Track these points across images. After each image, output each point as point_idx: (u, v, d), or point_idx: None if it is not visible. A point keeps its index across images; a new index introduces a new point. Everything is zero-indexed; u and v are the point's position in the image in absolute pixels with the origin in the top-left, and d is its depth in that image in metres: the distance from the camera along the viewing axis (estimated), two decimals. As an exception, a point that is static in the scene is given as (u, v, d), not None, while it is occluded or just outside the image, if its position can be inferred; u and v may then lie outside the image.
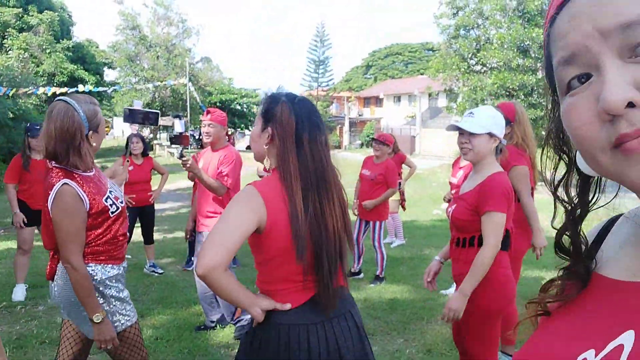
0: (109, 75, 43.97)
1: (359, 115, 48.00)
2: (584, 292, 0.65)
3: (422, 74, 45.15)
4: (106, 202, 2.42)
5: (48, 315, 4.82)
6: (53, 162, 2.36)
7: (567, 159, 0.66)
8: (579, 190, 0.67)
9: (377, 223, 6.03)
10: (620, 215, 0.70)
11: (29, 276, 5.64)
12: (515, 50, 17.08)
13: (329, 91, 44.91)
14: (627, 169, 0.52)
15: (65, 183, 2.29)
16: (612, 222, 0.71)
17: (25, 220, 5.36)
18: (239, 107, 45.01)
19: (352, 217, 6.20)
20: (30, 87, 16.07)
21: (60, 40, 34.17)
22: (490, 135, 2.53)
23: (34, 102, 28.34)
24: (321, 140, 1.82)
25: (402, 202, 7.71)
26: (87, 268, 2.35)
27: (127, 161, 3.23)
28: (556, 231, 0.71)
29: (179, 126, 3.98)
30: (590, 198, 0.67)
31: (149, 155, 6.50)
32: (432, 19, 19.66)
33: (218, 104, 41.87)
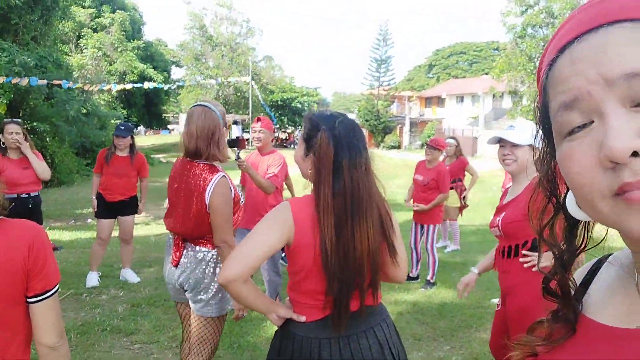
0: (176, 73, 45.66)
1: (420, 115, 47.36)
2: (573, 336, 0.65)
3: (486, 74, 44.01)
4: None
5: (111, 304, 5.10)
6: (196, 160, 2.71)
7: (555, 203, 0.66)
8: (566, 235, 0.67)
9: (431, 227, 6.03)
10: (608, 255, 0.70)
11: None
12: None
13: (390, 90, 44.55)
14: (627, 218, 0.51)
15: (223, 175, 2.65)
16: (598, 263, 0.71)
17: (95, 208, 5.88)
18: (299, 106, 45.46)
19: (405, 218, 6.18)
20: (103, 84, 16.96)
21: (132, 40, 35.70)
22: (531, 147, 2.49)
23: (105, 99, 29.76)
24: (361, 163, 1.82)
25: (461, 209, 7.62)
26: (214, 252, 2.72)
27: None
28: (544, 276, 0.71)
29: (236, 131, 4.20)
30: (578, 243, 0.67)
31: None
32: (499, 17, 19.09)
33: (279, 102, 42.54)
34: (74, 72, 21.62)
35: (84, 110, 19.42)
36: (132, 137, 5.93)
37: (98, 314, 4.81)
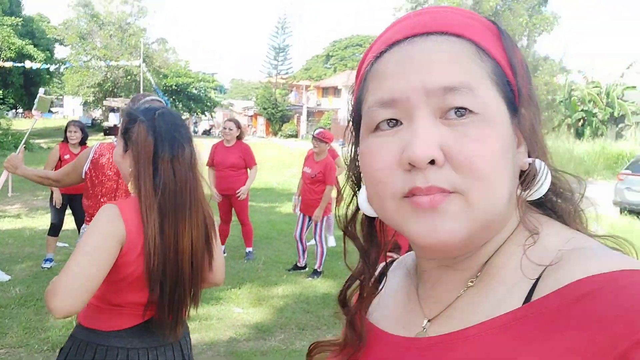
0: (60, 52, 42.42)
1: (317, 105, 47.98)
2: (363, 347, 0.66)
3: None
4: None
5: None
6: None
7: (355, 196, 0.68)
8: (366, 230, 0.68)
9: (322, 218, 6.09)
10: (395, 258, 0.74)
11: None
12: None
13: (288, 79, 44.70)
14: (409, 221, 0.54)
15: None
16: (388, 265, 0.73)
17: None
18: (195, 91, 44.22)
19: (288, 210, 6.32)
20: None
21: (9, 15, 32.69)
22: None
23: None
24: (184, 158, 1.71)
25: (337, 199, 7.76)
26: None
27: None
28: (344, 282, 0.71)
29: (113, 119, 3.97)
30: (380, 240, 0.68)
31: (87, 144, 6.30)
32: (392, 12, 19.73)
33: (174, 87, 41.09)
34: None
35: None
36: None
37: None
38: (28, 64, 17.81)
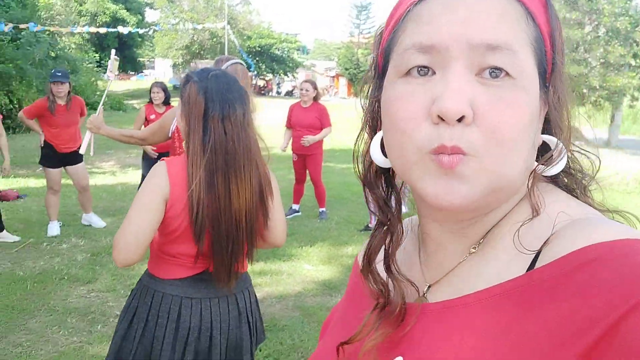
0: (150, 15, 44.17)
1: (400, 64, 46.88)
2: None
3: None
4: None
5: (70, 253, 5.15)
6: None
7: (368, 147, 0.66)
8: (385, 182, 0.66)
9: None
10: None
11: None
12: (562, 1, 16.26)
13: (370, 39, 43.85)
14: (427, 179, 0.52)
15: None
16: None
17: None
18: (278, 52, 44.60)
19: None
20: (73, 27, 16.34)
21: (103, -21, 34.28)
22: None
23: (76, 42, 28.81)
24: (236, 118, 1.74)
25: None
26: None
27: None
28: (366, 247, 0.66)
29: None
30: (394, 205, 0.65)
31: (171, 104, 6.59)
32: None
33: (257, 48, 41.64)
34: (39, 12, 20.76)
35: (53, 54, 18.78)
36: (70, 84, 5.76)
37: (57, 263, 4.86)
38: (121, 29, 18.68)
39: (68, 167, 5.88)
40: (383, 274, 0.64)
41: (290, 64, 45.82)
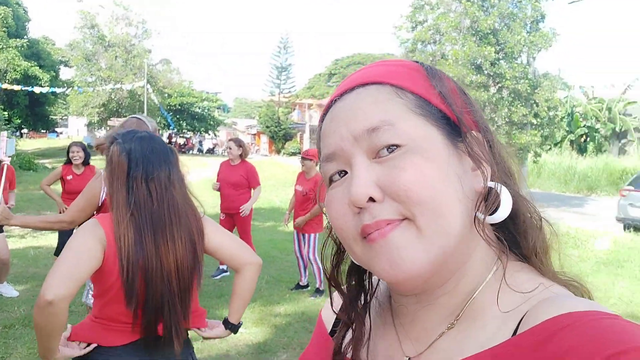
0: (65, 73, 42.96)
1: (320, 122, 48.11)
2: None
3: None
4: None
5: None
6: None
7: (337, 246, 0.70)
8: (357, 277, 0.70)
9: (312, 235, 6.08)
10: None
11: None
12: (469, 66, 17.55)
13: (290, 97, 44.94)
14: (373, 259, 0.56)
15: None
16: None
17: None
18: (199, 110, 44.56)
19: (292, 229, 6.45)
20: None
21: (15, 38, 33.13)
22: None
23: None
24: (160, 178, 1.75)
25: None
26: None
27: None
28: (335, 330, 0.71)
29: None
30: (367, 286, 0.70)
31: (91, 164, 6.37)
32: (393, 30, 19.89)
33: (178, 106, 41.42)
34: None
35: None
36: None
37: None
38: (37, 89, 18.00)
39: None
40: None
41: (212, 122, 45.85)
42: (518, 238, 0.64)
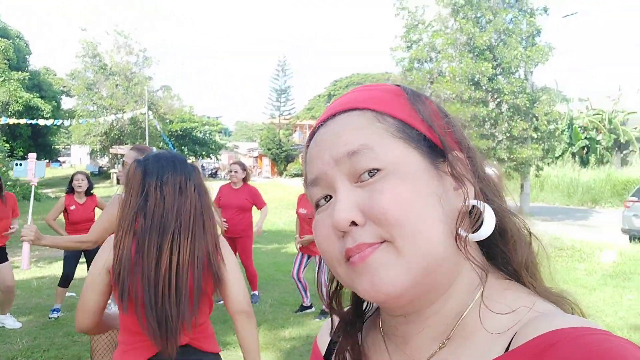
0: (66, 103, 43.28)
1: (321, 143, 48.31)
2: None
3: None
4: None
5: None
6: None
7: None
8: (352, 301, 0.71)
9: (318, 257, 6.01)
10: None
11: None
12: (466, 82, 17.65)
13: (291, 119, 45.22)
14: (356, 281, 0.57)
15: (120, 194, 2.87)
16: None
17: None
18: (200, 135, 44.80)
19: (295, 251, 6.43)
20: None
21: (17, 70, 33.52)
22: None
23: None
24: (175, 182, 1.78)
25: None
26: None
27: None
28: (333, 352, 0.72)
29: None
30: (364, 308, 0.71)
31: (93, 193, 6.37)
32: (388, 51, 20.08)
33: (179, 131, 41.64)
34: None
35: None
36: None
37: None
38: (42, 121, 18.23)
39: None
40: None
41: (213, 146, 46.02)
42: (508, 254, 0.64)
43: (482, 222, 0.60)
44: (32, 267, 9.29)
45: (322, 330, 0.79)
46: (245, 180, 6.64)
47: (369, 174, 0.58)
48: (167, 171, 1.78)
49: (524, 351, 0.51)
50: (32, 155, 3.44)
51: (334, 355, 0.71)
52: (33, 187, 3.37)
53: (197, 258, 1.77)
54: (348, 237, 0.57)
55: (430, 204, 0.57)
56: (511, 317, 0.57)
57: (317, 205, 0.63)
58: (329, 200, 0.61)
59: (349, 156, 0.58)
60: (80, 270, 6.46)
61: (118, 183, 26.79)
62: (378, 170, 0.58)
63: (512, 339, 0.55)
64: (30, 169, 3.28)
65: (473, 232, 0.60)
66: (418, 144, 0.60)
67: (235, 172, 6.57)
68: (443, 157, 0.61)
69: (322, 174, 0.61)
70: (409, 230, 0.55)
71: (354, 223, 0.57)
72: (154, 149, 3.19)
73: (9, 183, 21.15)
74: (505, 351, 0.54)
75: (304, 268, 6.19)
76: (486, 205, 0.60)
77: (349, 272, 0.58)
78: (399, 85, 0.66)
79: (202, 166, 44.34)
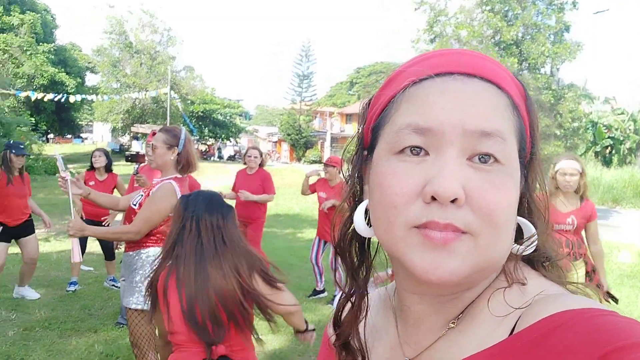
0: (91, 79, 43.67)
1: (341, 131, 48.21)
2: None
3: (404, 93, 45.37)
4: None
5: (0, 328, 4.81)
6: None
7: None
8: (358, 250, 0.70)
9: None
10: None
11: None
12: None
13: (312, 106, 45.10)
14: (414, 252, 0.54)
15: (169, 182, 2.98)
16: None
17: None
18: (221, 117, 44.95)
19: (311, 236, 6.40)
20: (9, 89, 15.88)
21: (42, 43, 33.85)
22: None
23: (10, 104, 27.91)
24: (212, 220, 2.12)
25: None
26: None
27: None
28: (338, 301, 0.73)
29: (136, 146, 4.00)
30: (371, 260, 0.70)
31: (114, 171, 6.44)
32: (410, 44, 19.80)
33: (200, 113, 41.83)
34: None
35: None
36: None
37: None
38: (72, 98, 18.57)
39: (21, 239, 5.67)
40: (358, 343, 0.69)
41: (233, 129, 46.19)
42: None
43: (528, 240, 0.61)
44: (52, 240, 9.49)
45: (330, 318, 0.78)
46: (261, 165, 6.65)
47: (480, 158, 0.55)
48: (204, 209, 2.13)
49: (529, 333, 0.52)
50: (56, 152, 3.54)
51: (338, 302, 0.72)
52: (69, 181, 3.33)
53: (232, 282, 2.05)
54: (438, 210, 0.53)
55: (515, 214, 0.58)
56: (518, 299, 0.57)
57: (401, 151, 0.57)
58: (417, 153, 0.56)
59: (482, 135, 0.54)
60: (96, 245, 6.58)
61: (127, 161, 26.25)
62: (497, 161, 0.55)
63: (517, 320, 0.55)
64: (59, 165, 3.39)
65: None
66: (521, 152, 0.59)
67: (255, 157, 6.57)
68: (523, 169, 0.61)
69: (440, 130, 0.55)
70: (497, 233, 0.54)
71: (453, 200, 0.53)
72: (183, 129, 3.21)
73: (31, 157, 21.50)
74: (511, 332, 0.54)
75: (322, 253, 6.22)
76: (531, 226, 0.62)
77: (411, 239, 0.54)
78: (519, 81, 0.63)
79: (219, 148, 44.48)
